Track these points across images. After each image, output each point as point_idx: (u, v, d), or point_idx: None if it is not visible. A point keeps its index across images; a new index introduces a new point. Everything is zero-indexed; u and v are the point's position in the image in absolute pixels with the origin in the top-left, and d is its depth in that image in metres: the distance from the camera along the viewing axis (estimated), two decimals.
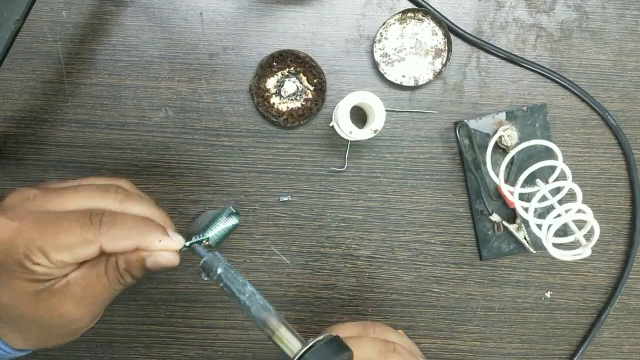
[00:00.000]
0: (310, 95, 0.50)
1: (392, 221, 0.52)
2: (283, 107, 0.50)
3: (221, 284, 0.37)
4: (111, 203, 0.37)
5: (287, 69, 0.50)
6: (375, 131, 0.46)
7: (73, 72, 0.50)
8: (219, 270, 0.37)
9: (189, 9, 0.50)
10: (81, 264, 0.36)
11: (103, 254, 0.36)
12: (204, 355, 0.52)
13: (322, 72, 0.49)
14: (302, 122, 0.50)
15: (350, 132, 0.46)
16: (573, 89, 0.51)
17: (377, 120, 0.46)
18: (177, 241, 0.37)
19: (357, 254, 0.52)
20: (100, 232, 0.35)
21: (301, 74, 0.50)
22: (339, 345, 0.35)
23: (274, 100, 0.50)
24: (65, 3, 0.49)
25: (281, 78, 0.50)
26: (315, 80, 0.50)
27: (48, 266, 0.35)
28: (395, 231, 0.52)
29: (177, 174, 0.51)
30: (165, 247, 0.37)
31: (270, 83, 0.50)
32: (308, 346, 0.34)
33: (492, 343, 0.53)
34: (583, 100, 0.51)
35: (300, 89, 0.50)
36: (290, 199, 0.50)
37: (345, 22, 0.50)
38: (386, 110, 0.46)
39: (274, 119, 0.49)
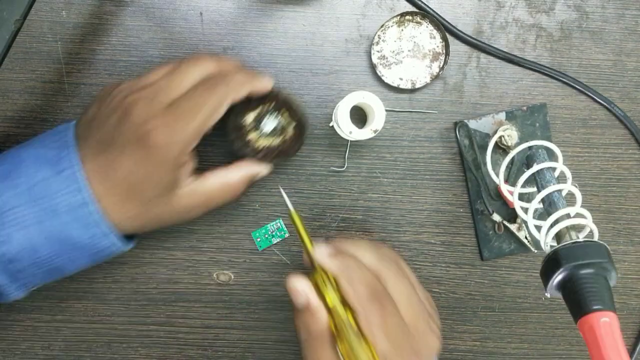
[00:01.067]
0: (291, 133, 0.47)
1: (392, 221, 0.52)
2: (261, 144, 0.46)
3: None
4: (215, 65, 0.44)
5: (269, 104, 0.46)
6: (375, 131, 0.46)
7: (73, 72, 0.50)
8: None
9: (189, 9, 0.50)
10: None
11: None
12: (204, 355, 0.52)
13: (302, 113, 0.47)
14: (281, 162, 0.49)
15: (350, 132, 0.46)
16: (575, 85, 0.51)
17: (377, 120, 0.46)
18: (267, 77, 0.45)
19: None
20: (227, 87, 0.42)
21: (284, 109, 0.46)
22: None
23: (251, 136, 0.46)
24: (65, 3, 0.49)
25: (262, 112, 0.46)
26: (297, 118, 0.46)
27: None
28: (395, 231, 0.52)
29: None
30: (267, 83, 0.45)
31: (249, 118, 0.46)
32: None
33: (492, 343, 0.53)
34: (586, 95, 0.51)
35: (281, 124, 0.46)
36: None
37: (345, 22, 0.50)
38: (386, 110, 0.46)
39: (252, 156, 0.45)
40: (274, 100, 0.46)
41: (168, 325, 0.52)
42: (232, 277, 0.52)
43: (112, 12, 0.49)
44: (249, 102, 0.45)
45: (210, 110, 0.41)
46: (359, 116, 0.50)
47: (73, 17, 0.49)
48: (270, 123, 0.46)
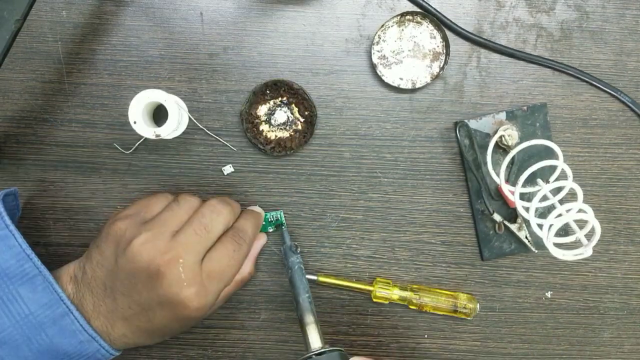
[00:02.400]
0: (300, 127, 0.50)
1: (393, 221, 0.52)
2: (272, 136, 0.50)
3: (290, 273, 0.47)
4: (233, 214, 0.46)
5: (280, 99, 0.50)
6: (157, 135, 0.45)
7: (73, 72, 0.49)
8: (296, 267, 0.47)
9: (189, 9, 0.50)
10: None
11: None
12: (205, 355, 0.52)
13: (314, 106, 0.49)
14: (288, 153, 0.50)
15: (135, 122, 0.44)
16: (581, 76, 0.51)
17: (169, 123, 0.45)
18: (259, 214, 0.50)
19: (358, 254, 0.52)
20: (249, 247, 0.46)
21: (293, 105, 0.50)
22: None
23: (263, 127, 0.50)
24: (65, 3, 0.49)
25: (273, 107, 0.50)
26: (306, 113, 0.50)
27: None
28: (395, 231, 0.52)
29: (177, 174, 0.51)
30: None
31: (262, 110, 0.50)
32: (320, 350, 0.42)
33: (492, 343, 0.53)
34: (592, 85, 0.51)
35: (290, 119, 0.50)
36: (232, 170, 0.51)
37: (345, 22, 0.50)
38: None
39: (261, 147, 0.49)
40: (286, 95, 0.49)
41: None
42: None
43: (113, 12, 0.49)
44: (262, 95, 0.49)
45: (236, 270, 0.45)
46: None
47: (73, 17, 0.49)
48: (281, 116, 0.49)
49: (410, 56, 0.50)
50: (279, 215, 0.50)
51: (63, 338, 0.40)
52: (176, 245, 0.41)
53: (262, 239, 0.50)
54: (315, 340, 0.43)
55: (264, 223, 0.50)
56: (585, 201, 0.45)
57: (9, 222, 0.40)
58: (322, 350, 0.41)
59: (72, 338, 0.40)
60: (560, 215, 0.44)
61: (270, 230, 0.50)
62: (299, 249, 0.47)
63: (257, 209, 0.50)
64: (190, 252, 0.41)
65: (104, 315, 0.41)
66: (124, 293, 0.41)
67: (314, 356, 0.41)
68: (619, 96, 0.51)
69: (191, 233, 0.42)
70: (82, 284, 0.42)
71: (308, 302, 0.45)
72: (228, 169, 0.50)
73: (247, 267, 0.48)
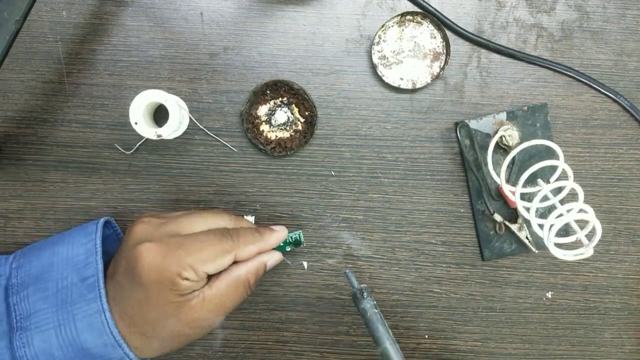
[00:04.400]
0: (300, 127, 0.50)
1: (393, 221, 0.52)
2: (272, 136, 0.50)
3: (365, 320, 0.42)
4: (229, 222, 0.44)
5: (280, 99, 0.50)
6: (158, 136, 0.45)
7: (73, 72, 0.49)
8: (368, 314, 0.42)
9: (190, 9, 0.50)
10: (208, 280, 0.42)
11: (233, 264, 0.42)
12: (205, 355, 0.52)
13: (314, 107, 0.49)
14: (288, 153, 0.50)
15: (136, 123, 0.44)
16: (580, 78, 0.51)
17: (170, 123, 0.45)
18: (282, 230, 0.46)
19: (358, 254, 0.52)
20: (234, 242, 0.42)
21: (293, 105, 0.50)
22: None
23: (264, 128, 0.50)
24: (65, 3, 0.49)
25: (273, 107, 0.50)
26: (306, 113, 0.50)
27: (194, 280, 0.40)
28: (396, 231, 0.52)
29: (177, 174, 0.51)
30: (278, 239, 0.45)
31: (262, 111, 0.50)
32: None
33: (493, 343, 0.53)
34: (590, 87, 0.51)
35: (291, 119, 0.50)
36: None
37: (345, 22, 0.50)
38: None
39: (262, 147, 0.50)
40: (286, 95, 0.49)
41: None
42: None
43: (113, 12, 0.49)
44: (263, 95, 0.49)
45: (211, 255, 0.41)
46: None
47: (73, 17, 0.49)
48: (281, 116, 0.49)
49: (410, 56, 0.50)
50: (297, 236, 0.48)
51: (90, 334, 0.40)
52: (165, 220, 0.43)
53: (275, 257, 0.45)
54: None
55: (281, 244, 0.46)
56: (585, 201, 0.45)
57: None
58: None
59: (98, 338, 0.40)
60: (560, 215, 0.44)
61: (288, 249, 0.48)
62: (365, 294, 0.42)
63: (279, 228, 0.46)
64: (172, 225, 0.42)
65: (118, 300, 0.41)
66: (122, 273, 0.41)
67: None
68: (617, 99, 0.51)
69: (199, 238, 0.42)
70: (113, 278, 0.42)
71: (393, 351, 0.41)
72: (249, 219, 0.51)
73: (242, 271, 0.43)
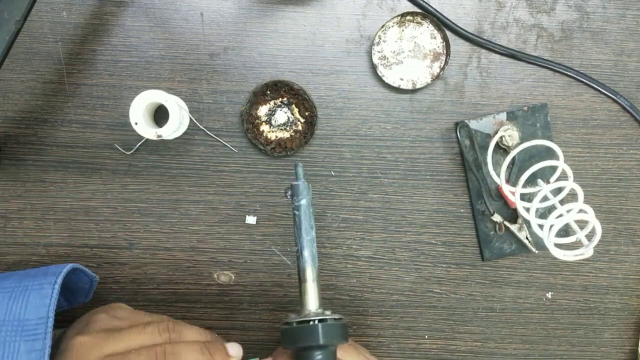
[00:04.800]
0: (300, 127, 0.50)
1: (393, 222, 0.52)
2: (272, 136, 0.50)
3: (296, 213, 0.41)
4: (165, 335, 0.41)
5: (280, 99, 0.50)
6: (158, 136, 0.45)
7: (74, 73, 0.50)
8: (303, 201, 0.40)
9: (190, 10, 0.50)
10: None
11: None
12: None
13: (315, 107, 0.49)
14: (288, 153, 0.50)
15: (136, 123, 0.44)
16: (580, 78, 0.51)
17: (170, 123, 0.45)
18: (237, 354, 0.42)
19: (358, 255, 0.52)
20: None
21: (293, 105, 0.50)
22: (342, 331, 0.39)
23: (264, 128, 0.50)
24: (65, 4, 0.49)
25: (273, 107, 0.50)
26: (306, 113, 0.50)
27: None
28: (396, 232, 0.52)
29: (177, 174, 0.51)
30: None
31: (262, 111, 0.50)
32: (319, 318, 0.39)
33: (493, 344, 0.53)
34: (590, 87, 0.51)
35: (291, 120, 0.50)
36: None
37: (346, 23, 0.50)
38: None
39: (262, 147, 0.50)
40: (286, 95, 0.49)
41: None
42: (233, 277, 0.51)
43: (113, 12, 0.49)
44: (263, 95, 0.49)
45: None
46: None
47: (74, 17, 0.49)
48: (281, 117, 0.49)
49: (410, 57, 0.50)
50: None
51: None
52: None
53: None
54: (311, 303, 0.40)
55: None
56: (585, 201, 0.45)
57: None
58: (323, 316, 0.38)
59: None
60: (560, 215, 0.44)
61: None
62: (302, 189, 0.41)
63: (233, 347, 0.43)
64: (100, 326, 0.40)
65: None
66: None
67: (313, 322, 0.38)
68: (617, 99, 0.51)
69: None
70: None
71: (310, 255, 0.40)
72: (251, 219, 0.50)
73: None
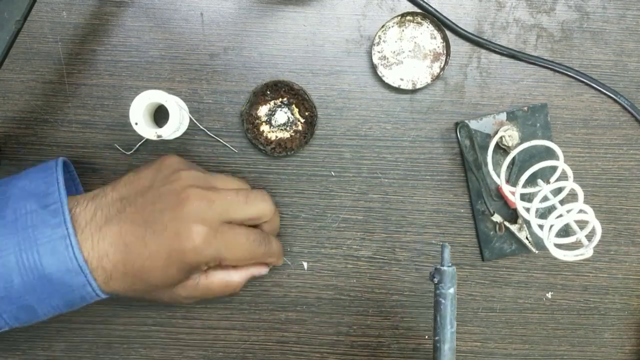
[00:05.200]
0: (300, 128, 0.50)
1: (393, 222, 0.52)
2: (272, 136, 0.50)
3: (442, 301, 0.38)
4: (270, 209, 0.46)
5: (280, 99, 0.50)
6: (159, 136, 0.45)
7: (74, 73, 0.50)
8: (451, 290, 0.38)
9: (190, 10, 0.50)
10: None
11: None
12: (205, 356, 0.52)
13: (315, 107, 0.49)
14: (288, 153, 0.50)
15: (136, 124, 0.44)
16: (580, 78, 0.51)
17: (170, 124, 0.45)
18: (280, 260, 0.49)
19: (358, 255, 0.52)
20: (264, 253, 0.45)
21: (293, 106, 0.50)
22: None
23: (264, 128, 0.50)
24: (66, 4, 0.49)
25: (273, 107, 0.50)
26: (306, 114, 0.50)
27: (211, 267, 0.44)
28: (396, 232, 0.52)
29: None
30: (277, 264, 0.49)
31: (262, 111, 0.50)
32: None
33: (493, 344, 0.53)
34: (590, 87, 0.51)
35: (291, 120, 0.50)
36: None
37: (346, 23, 0.50)
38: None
39: (262, 147, 0.50)
40: (286, 95, 0.49)
41: (169, 326, 0.52)
42: None
43: (113, 12, 0.49)
44: (263, 95, 0.49)
45: (245, 259, 0.44)
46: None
47: (74, 17, 0.49)
48: (281, 117, 0.49)
49: (410, 57, 0.50)
50: None
51: (52, 259, 0.38)
52: (215, 194, 0.42)
53: (262, 272, 0.48)
54: None
55: None
56: (585, 202, 0.45)
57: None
58: None
59: (61, 263, 0.38)
60: (560, 215, 0.44)
61: None
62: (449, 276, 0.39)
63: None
64: (224, 205, 0.42)
65: (96, 224, 0.40)
66: (137, 204, 0.41)
67: None
68: (617, 99, 0.51)
69: (233, 195, 0.43)
70: (94, 201, 0.41)
71: (451, 350, 0.38)
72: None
73: (237, 277, 0.46)
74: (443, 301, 0.38)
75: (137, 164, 0.50)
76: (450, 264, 0.39)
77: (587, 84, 0.51)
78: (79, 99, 0.50)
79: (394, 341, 0.53)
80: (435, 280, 0.39)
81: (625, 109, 0.51)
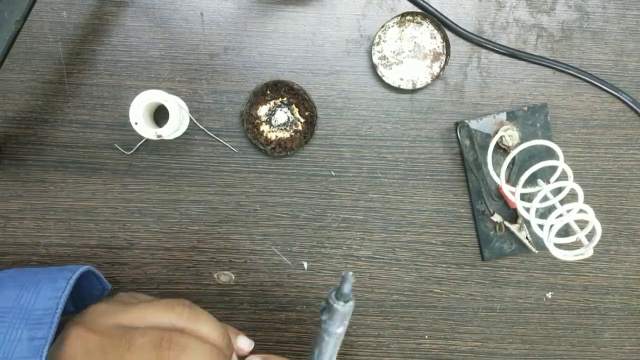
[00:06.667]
0: (300, 127, 0.50)
1: (393, 221, 0.52)
2: (272, 136, 0.50)
3: (325, 338, 0.35)
4: (180, 320, 0.39)
5: (280, 99, 0.50)
6: (158, 136, 0.45)
7: (74, 73, 0.50)
8: (340, 330, 0.34)
9: (190, 10, 0.50)
10: None
11: None
12: None
13: (315, 107, 0.49)
14: (288, 153, 0.50)
15: (136, 123, 0.44)
16: (581, 76, 0.51)
17: (170, 124, 0.45)
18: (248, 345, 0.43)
19: (358, 255, 0.52)
20: (170, 356, 0.36)
21: (293, 105, 0.50)
22: None
23: (264, 128, 0.50)
24: (66, 3, 0.49)
25: (273, 107, 0.50)
26: (306, 113, 0.50)
27: None
28: (396, 232, 0.52)
29: (177, 174, 0.51)
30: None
31: (262, 111, 0.50)
32: None
33: (493, 344, 0.53)
34: (592, 84, 0.51)
35: (291, 120, 0.50)
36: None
37: (345, 23, 0.50)
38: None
39: (262, 147, 0.50)
40: (286, 95, 0.49)
41: None
42: (233, 277, 0.51)
43: (113, 12, 0.49)
44: (263, 95, 0.49)
45: None
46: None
47: (74, 17, 0.49)
48: (281, 117, 0.49)
49: (410, 56, 0.50)
50: None
51: None
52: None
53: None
54: None
55: None
56: (585, 201, 0.45)
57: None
58: None
59: None
60: (560, 215, 0.44)
61: None
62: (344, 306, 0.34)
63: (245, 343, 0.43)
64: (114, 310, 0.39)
65: None
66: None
67: None
68: (620, 96, 0.51)
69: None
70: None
71: None
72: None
73: None
74: (327, 338, 0.34)
75: (137, 164, 0.50)
76: (347, 299, 0.34)
77: (587, 82, 0.51)
78: (79, 98, 0.50)
79: (394, 341, 0.53)
80: (323, 317, 0.34)
81: (628, 105, 0.51)
